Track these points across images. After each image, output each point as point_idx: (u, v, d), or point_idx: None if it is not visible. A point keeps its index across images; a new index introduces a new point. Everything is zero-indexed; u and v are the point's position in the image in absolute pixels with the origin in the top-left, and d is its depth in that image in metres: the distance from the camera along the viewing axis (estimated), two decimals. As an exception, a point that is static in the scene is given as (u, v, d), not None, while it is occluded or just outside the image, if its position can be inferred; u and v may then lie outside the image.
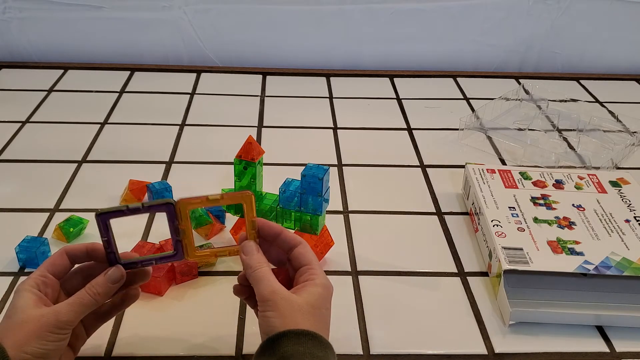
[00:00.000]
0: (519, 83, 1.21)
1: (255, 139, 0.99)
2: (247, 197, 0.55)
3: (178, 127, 1.02)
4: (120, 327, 0.62)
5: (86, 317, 0.53)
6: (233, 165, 0.68)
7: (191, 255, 0.56)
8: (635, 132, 1.02)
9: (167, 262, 0.56)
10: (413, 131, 1.04)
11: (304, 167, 0.66)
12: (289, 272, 0.57)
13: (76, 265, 0.55)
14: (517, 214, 0.73)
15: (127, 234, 0.75)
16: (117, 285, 0.53)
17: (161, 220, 0.79)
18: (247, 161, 0.67)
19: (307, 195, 0.66)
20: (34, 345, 0.48)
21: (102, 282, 0.53)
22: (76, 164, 0.90)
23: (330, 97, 1.16)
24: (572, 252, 0.67)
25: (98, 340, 0.59)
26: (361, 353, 0.60)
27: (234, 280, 0.68)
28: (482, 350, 0.61)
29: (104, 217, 0.53)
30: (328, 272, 0.71)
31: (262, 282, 0.52)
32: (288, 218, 0.69)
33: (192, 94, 1.16)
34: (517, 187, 0.79)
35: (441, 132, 1.04)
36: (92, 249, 0.55)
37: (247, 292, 0.56)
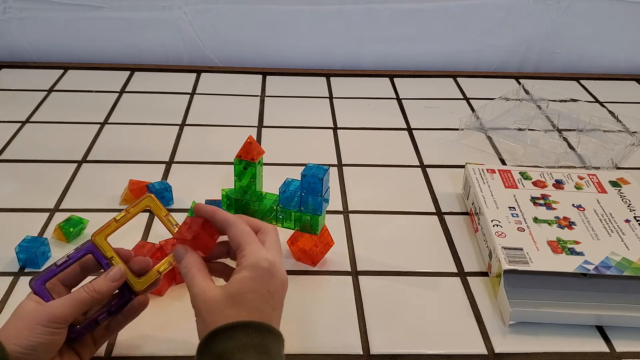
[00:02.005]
0: (519, 83, 1.21)
1: (255, 139, 0.99)
2: (149, 200, 0.57)
3: (178, 127, 1.02)
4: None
5: (97, 330, 0.55)
6: (233, 165, 0.68)
7: (136, 284, 0.55)
8: (635, 132, 1.02)
9: (122, 305, 0.55)
10: (413, 131, 1.04)
11: (304, 167, 0.66)
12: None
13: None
14: (517, 214, 0.73)
15: (127, 234, 0.75)
16: (116, 284, 0.53)
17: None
18: (247, 161, 0.67)
19: (307, 195, 0.66)
20: (23, 338, 0.48)
21: (101, 279, 0.53)
22: (76, 164, 0.90)
23: (330, 97, 1.16)
24: (572, 252, 0.67)
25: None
26: (361, 353, 0.60)
27: (234, 280, 0.68)
28: (482, 350, 0.61)
29: (38, 283, 0.53)
30: (328, 272, 0.71)
31: (190, 289, 0.51)
32: (288, 218, 0.69)
33: (192, 94, 1.16)
34: (517, 187, 0.79)
35: (441, 132, 1.04)
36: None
37: None
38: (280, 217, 0.69)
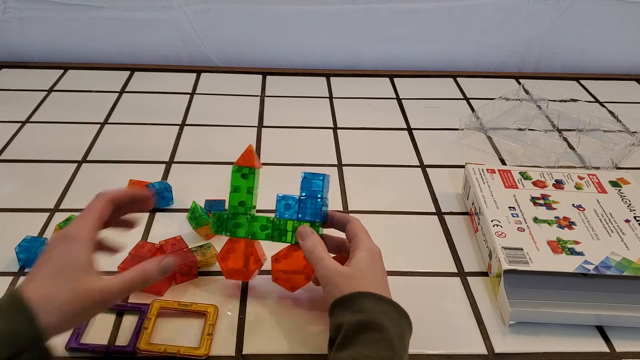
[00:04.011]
0: (519, 83, 1.21)
1: (255, 139, 0.99)
2: (211, 307, 0.63)
3: (178, 127, 1.02)
4: (120, 327, 0.62)
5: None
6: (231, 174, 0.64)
7: (142, 344, 0.58)
8: (635, 132, 1.02)
9: (120, 351, 0.58)
10: (413, 131, 1.04)
11: (301, 174, 0.64)
12: (346, 257, 0.61)
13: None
14: (517, 214, 0.73)
15: (128, 234, 0.75)
16: (167, 275, 0.54)
17: (161, 220, 0.79)
18: (248, 167, 0.63)
19: (306, 200, 0.63)
20: (75, 310, 0.46)
21: (154, 268, 0.53)
22: (76, 164, 0.90)
23: (330, 97, 1.16)
24: (572, 252, 0.67)
25: (98, 340, 0.59)
26: (361, 353, 0.60)
27: (233, 280, 0.68)
28: (482, 350, 0.61)
29: None
30: (328, 272, 0.70)
31: (319, 263, 0.58)
32: (284, 232, 0.63)
33: (192, 94, 1.16)
34: (517, 187, 0.79)
35: (441, 132, 1.04)
36: (134, 195, 0.58)
37: None
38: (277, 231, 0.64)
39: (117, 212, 0.56)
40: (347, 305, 0.54)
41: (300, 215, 0.63)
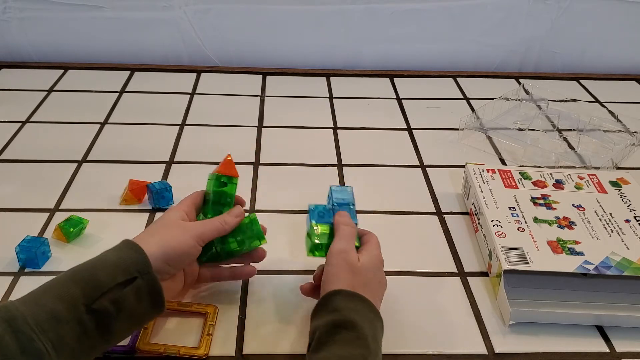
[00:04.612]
0: (519, 83, 1.21)
1: (255, 139, 0.99)
2: (211, 307, 0.63)
3: (178, 127, 1.02)
4: (120, 327, 0.62)
5: (205, 270, 0.64)
6: (206, 188, 0.63)
7: (142, 344, 0.59)
8: (635, 132, 1.02)
9: (120, 351, 0.58)
10: (413, 131, 1.04)
11: (330, 191, 0.65)
12: None
13: None
14: (517, 214, 0.73)
15: (130, 231, 0.75)
16: (238, 219, 0.61)
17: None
18: (228, 176, 0.62)
19: (339, 207, 0.63)
20: (177, 241, 0.56)
21: (226, 215, 0.61)
22: (76, 164, 0.90)
23: (330, 97, 1.16)
24: (572, 252, 0.67)
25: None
26: (361, 353, 0.60)
27: (233, 280, 0.68)
28: (482, 350, 0.61)
29: None
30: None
31: (341, 239, 0.59)
32: (319, 245, 0.61)
33: (192, 94, 1.16)
34: (517, 187, 0.79)
35: (441, 132, 1.04)
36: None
37: (314, 292, 0.62)
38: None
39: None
40: (321, 308, 0.54)
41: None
